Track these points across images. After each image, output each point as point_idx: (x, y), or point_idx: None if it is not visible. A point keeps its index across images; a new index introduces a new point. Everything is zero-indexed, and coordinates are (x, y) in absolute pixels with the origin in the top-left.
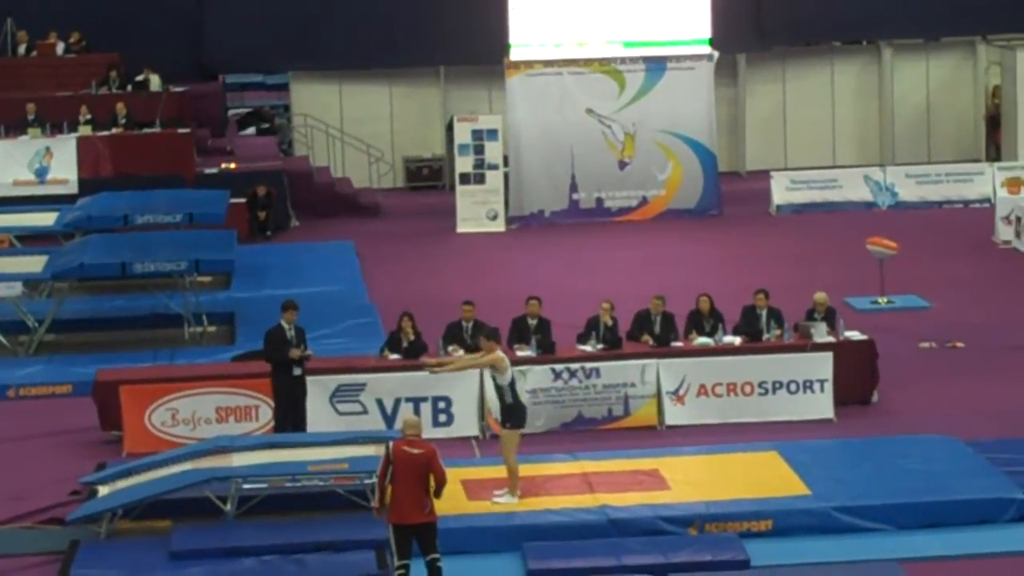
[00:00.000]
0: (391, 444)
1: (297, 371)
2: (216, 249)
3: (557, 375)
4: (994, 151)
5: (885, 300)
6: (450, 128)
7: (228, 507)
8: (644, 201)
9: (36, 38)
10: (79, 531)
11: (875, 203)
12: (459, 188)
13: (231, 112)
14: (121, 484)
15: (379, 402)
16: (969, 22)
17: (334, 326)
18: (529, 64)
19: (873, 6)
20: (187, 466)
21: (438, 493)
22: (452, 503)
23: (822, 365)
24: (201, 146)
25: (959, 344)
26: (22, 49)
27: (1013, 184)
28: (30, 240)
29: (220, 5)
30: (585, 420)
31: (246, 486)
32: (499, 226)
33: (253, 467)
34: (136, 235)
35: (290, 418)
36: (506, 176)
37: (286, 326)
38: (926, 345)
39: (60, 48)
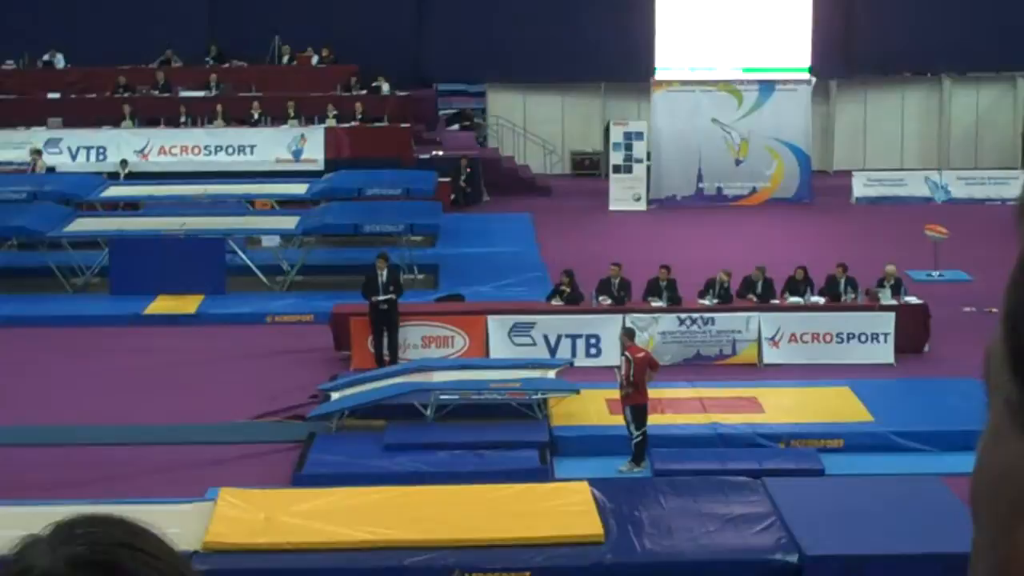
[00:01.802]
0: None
1: (384, 306)
2: (426, 215)
3: (681, 321)
4: None
5: (937, 274)
6: (607, 130)
7: (428, 412)
8: (754, 191)
9: (296, 51)
10: (316, 425)
11: (932, 198)
12: (612, 176)
13: (441, 112)
14: (349, 391)
15: (545, 337)
16: (1012, 61)
17: (513, 278)
18: (669, 83)
19: (937, 46)
20: (399, 380)
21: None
22: (598, 416)
23: (886, 322)
24: (417, 137)
25: (994, 309)
26: (285, 59)
27: None
28: (287, 204)
29: (435, 31)
30: (702, 357)
31: (443, 397)
32: (641, 206)
33: (448, 383)
34: (366, 203)
35: (381, 339)
36: (648, 168)
37: (379, 271)
38: (968, 309)
39: (314, 60)
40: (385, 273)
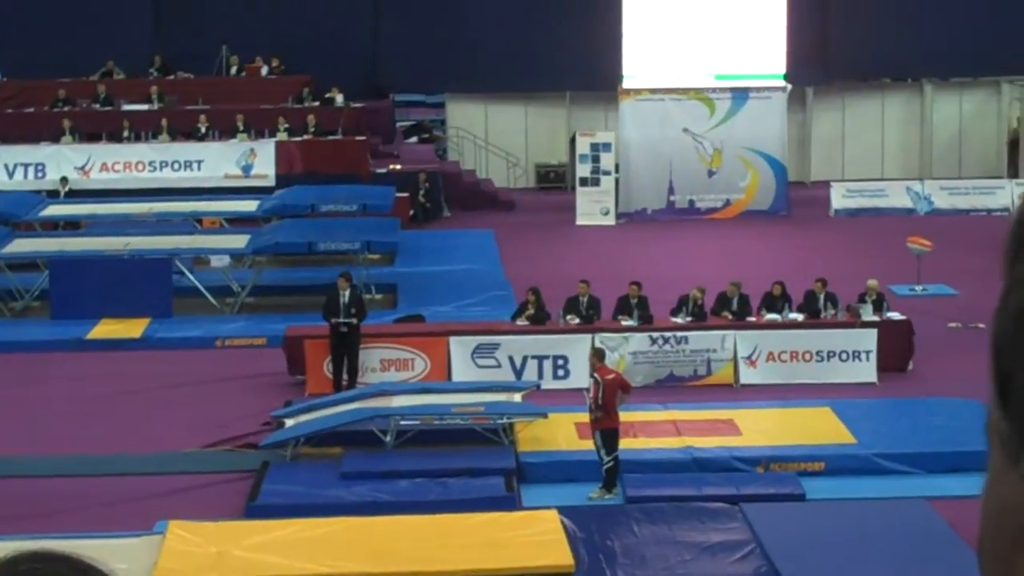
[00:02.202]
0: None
1: (344, 328)
2: (384, 232)
3: (654, 341)
4: (1013, 169)
5: (921, 288)
6: (573, 141)
7: (388, 439)
8: (727, 203)
9: (245, 62)
10: (270, 454)
11: (915, 209)
12: (579, 189)
13: (398, 124)
14: (303, 418)
15: (510, 359)
16: (996, 66)
17: (476, 297)
18: (638, 91)
19: (917, 51)
20: (356, 405)
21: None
22: (567, 441)
23: (868, 339)
24: (374, 151)
25: (980, 325)
26: (234, 70)
27: None
28: (236, 222)
29: (392, 38)
30: (675, 378)
31: (403, 422)
32: (610, 220)
33: (409, 407)
34: (320, 220)
35: (341, 363)
36: (617, 180)
37: (341, 292)
38: (953, 325)
39: (264, 70)
40: (348, 294)
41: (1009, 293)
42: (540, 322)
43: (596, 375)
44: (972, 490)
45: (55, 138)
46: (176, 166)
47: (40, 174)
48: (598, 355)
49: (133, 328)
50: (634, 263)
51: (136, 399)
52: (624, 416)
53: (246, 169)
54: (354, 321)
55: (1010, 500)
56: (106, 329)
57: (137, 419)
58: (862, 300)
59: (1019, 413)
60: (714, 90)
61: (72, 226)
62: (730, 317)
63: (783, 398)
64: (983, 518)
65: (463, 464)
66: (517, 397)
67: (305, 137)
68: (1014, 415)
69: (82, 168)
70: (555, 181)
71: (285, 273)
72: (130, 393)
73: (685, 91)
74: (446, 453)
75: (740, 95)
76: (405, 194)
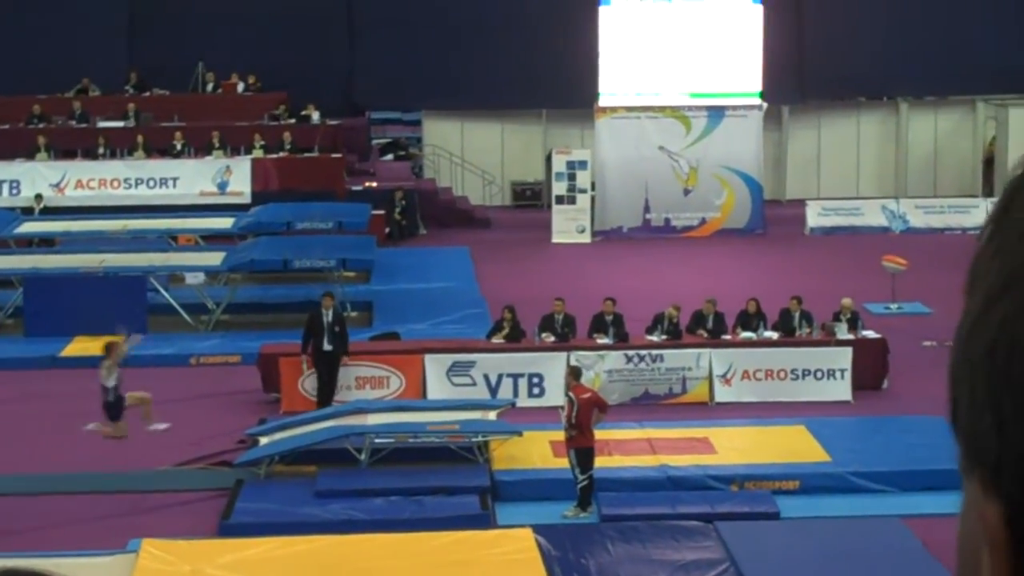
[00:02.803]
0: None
1: (328, 347)
2: (359, 250)
3: (629, 359)
4: (988, 188)
5: (896, 306)
6: (549, 159)
7: (363, 457)
8: (703, 221)
9: (221, 79)
10: (243, 472)
11: (890, 228)
12: (555, 207)
13: (374, 141)
14: (278, 436)
15: (485, 377)
16: (971, 85)
17: (451, 315)
18: (614, 109)
19: (893, 70)
20: (331, 423)
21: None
22: (542, 459)
23: (842, 357)
24: (350, 168)
25: None
26: (210, 87)
27: None
28: (211, 239)
29: (368, 56)
30: (650, 396)
31: (377, 440)
32: (586, 238)
33: (383, 425)
34: (296, 237)
35: (323, 382)
36: (592, 198)
37: (324, 311)
38: (928, 343)
39: (240, 87)
40: (331, 313)
41: (960, 324)
42: (515, 340)
43: (571, 394)
44: (946, 508)
45: (30, 155)
46: (151, 183)
47: (15, 191)
48: (574, 373)
49: None
50: (610, 281)
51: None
52: (599, 434)
53: (222, 186)
54: (333, 347)
55: (970, 528)
56: (81, 347)
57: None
58: (837, 318)
59: (962, 438)
60: (690, 108)
61: (47, 243)
62: (705, 335)
63: (758, 416)
64: (957, 546)
65: (438, 482)
66: (492, 415)
67: (281, 154)
68: (959, 440)
69: (57, 185)
70: (531, 199)
71: (260, 291)
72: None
73: (661, 109)
74: (421, 471)
75: (716, 113)
76: (381, 212)
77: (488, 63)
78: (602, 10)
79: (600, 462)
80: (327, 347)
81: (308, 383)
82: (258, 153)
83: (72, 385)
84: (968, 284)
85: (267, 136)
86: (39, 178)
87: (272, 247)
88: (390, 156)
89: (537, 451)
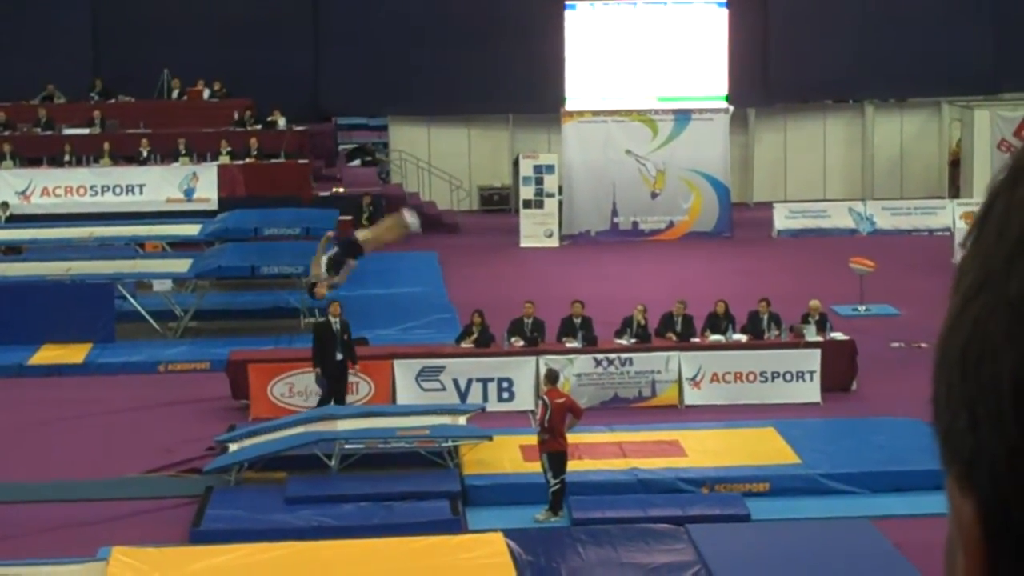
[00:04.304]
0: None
1: (339, 356)
2: None
3: (598, 363)
4: (954, 190)
5: (864, 308)
6: (516, 163)
7: (332, 463)
8: (671, 224)
9: (187, 85)
10: (213, 479)
11: (857, 230)
12: (522, 211)
13: (341, 147)
14: (247, 442)
15: (455, 381)
16: (936, 87)
17: (420, 320)
18: (580, 113)
19: (859, 72)
20: (300, 429)
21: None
22: (512, 464)
23: (811, 359)
24: (316, 174)
25: (923, 344)
26: (175, 94)
27: (969, 217)
28: (179, 246)
29: (333, 61)
30: (620, 399)
31: (347, 446)
32: (554, 242)
33: (353, 431)
34: (263, 244)
35: (334, 392)
36: (560, 203)
37: (332, 320)
38: (896, 345)
39: (206, 94)
40: (338, 321)
41: (942, 325)
42: (485, 344)
43: (544, 397)
44: (916, 510)
45: None
46: (118, 190)
47: None
48: (549, 377)
49: (75, 353)
50: (578, 285)
51: (79, 425)
52: (569, 438)
53: (188, 193)
54: (343, 356)
55: (950, 533)
56: (48, 355)
57: (80, 445)
58: (805, 320)
59: (940, 438)
60: (657, 112)
61: (13, 251)
62: (674, 338)
63: (728, 419)
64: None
65: (408, 488)
66: (462, 420)
67: (247, 160)
68: (938, 440)
69: (23, 193)
70: (498, 203)
71: (228, 297)
72: (72, 419)
73: (628, 113)
74: (391, 477)
75: (683, 117)
76: (348, 217)
77: (454, 68)
78: (568, 14)
79: (571, 466)
80: (339, 356)
81: (277, 389)
82: (224, 159)
83: (40, 393)
84: (953, 285)
85: (233, 142)
86: (5, 186)
87: (239, 253)
88: (357, 162)
89: (507, 455)
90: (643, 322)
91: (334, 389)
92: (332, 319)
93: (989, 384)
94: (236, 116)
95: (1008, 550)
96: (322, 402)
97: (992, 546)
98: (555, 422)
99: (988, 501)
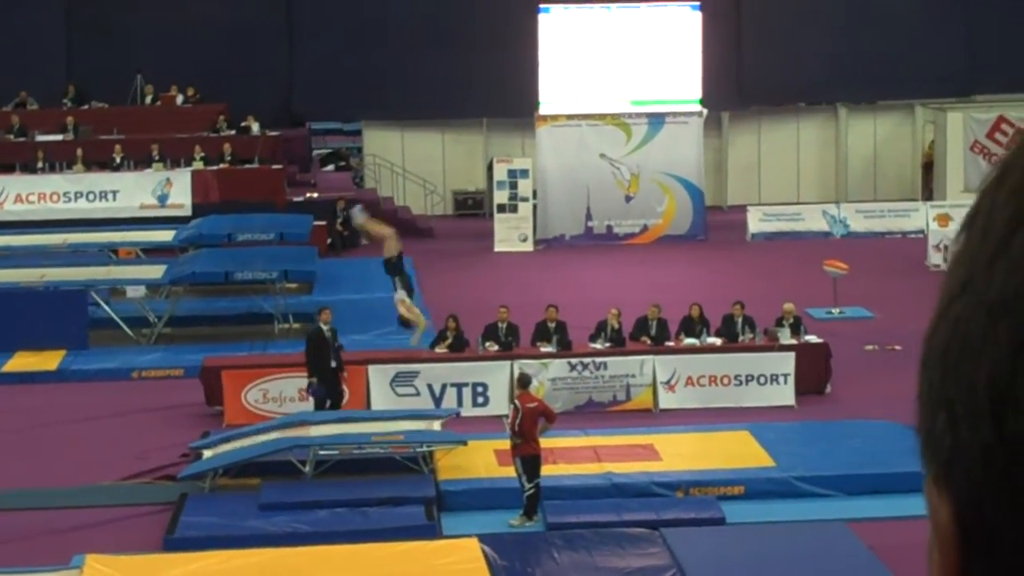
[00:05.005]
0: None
1: (333, 364)
2: (301, 261)
3: (572, 367)
4: (928, 192)
5: (837, 311)
6: (490, 168)
7: (307, 469)
8: (645, 228)
9: (160, 91)
10: (187, 486)
11: (831, 233)
12: (497, 216)
13: (315, 152)
14: (222, 449)
15: (429, 387)
16: (909, 90)
17: (394, 324)
18: (554, 117)
19: (832, 75)
20: (274, 435)
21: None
22: (487, 469)
23: (785, 362)
24: (290, 179)
25: (896, 347)
26: (149, 99)
27: (942, 219)
28: (152, 252)
29: (307, 67)
30: (594, 403)
31: (322, 452)
32: (528, 247)
33: (327, 437)
34: (237, 249)
35: (330, 398)
36: (534, 207)
37: (324, 327)
38: (870, 347)
39: (179, 99)
40: (329, 329)
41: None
42: (459, 349)
43: (516, 401)
44: (890, 512)
45: None
46: (91, 197)
47: None
48: (521, 382)
49: (49, 360)
50: (552, 289)
51: (52, 433)
52: (543, 442)
53: (162, 199)
54: (336, 363)
55: (929, 532)
56: (21, 362)
57: (54, 453)
58: (779, 323)
59: (921, 438)
60: (630, 115)
61: None
62: (649, 342)
63: (702, 422)
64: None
65: (383, 493)
66: (436, 425)
67: (221, 166)
68: (919, 440)
69: None
70: (473, 208)
71: (202, 303)
72: (46, 426)
73: (601, 117)
74: (366, 482)
75: (656, 120)
76: (322, 222)
77: (428, 73)
78: (541, 18)
79: (545, 470)
80: (333, 364)
81: (251, 395)
82: (198, 165)
83: (13, 401)
84: (942, 283)
85: (207, 148)
86: None
87: (213, 259)
88: (331, 167)
89: (482, 460)
90: (617, 326)
91: (330, 396)
92: (324, 327)
93: (966, 384)
94: (210, 122)
95: (981, 550)
96: (318, 406)
97: (966, 546)
98: (527, 426)
99: (963, 501)
